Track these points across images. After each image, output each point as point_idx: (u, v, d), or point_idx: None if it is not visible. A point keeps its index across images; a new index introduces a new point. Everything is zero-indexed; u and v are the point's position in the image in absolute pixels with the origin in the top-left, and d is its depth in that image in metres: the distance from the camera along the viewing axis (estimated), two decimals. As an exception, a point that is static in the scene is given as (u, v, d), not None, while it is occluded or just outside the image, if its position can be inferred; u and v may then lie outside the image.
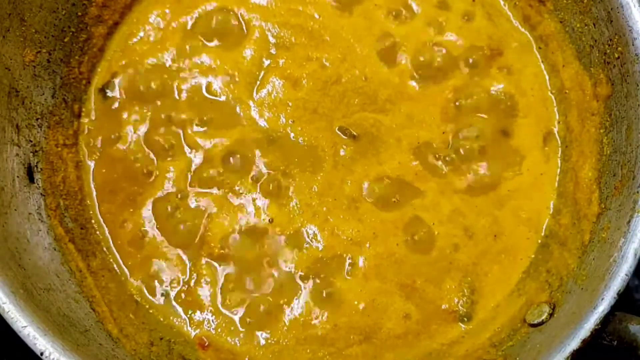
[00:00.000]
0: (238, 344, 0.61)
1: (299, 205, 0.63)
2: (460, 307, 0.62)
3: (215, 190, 0.64)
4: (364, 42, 0.67)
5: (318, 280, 0.62)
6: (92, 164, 0.65)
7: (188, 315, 0.62)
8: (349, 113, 0.65)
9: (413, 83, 0.66)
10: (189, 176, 0.64)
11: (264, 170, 0.64)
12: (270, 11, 0.68)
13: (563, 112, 0.65)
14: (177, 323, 0.62)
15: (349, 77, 0.66)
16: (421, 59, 0.66)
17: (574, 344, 0.50)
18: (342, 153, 0.64)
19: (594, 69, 0.60)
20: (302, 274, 0.62)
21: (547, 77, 0.66)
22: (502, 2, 0.67)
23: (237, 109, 0.66)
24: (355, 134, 0.64)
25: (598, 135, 0.60)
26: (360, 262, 0.62)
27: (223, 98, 0.66)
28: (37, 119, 0.62)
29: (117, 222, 0.64)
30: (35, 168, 0.61)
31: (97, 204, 0.64)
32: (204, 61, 0.67)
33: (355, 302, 0.62)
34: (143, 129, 0.65)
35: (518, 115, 0.66)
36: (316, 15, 0.67)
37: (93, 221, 0.64)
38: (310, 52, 0.67)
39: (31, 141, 0.61)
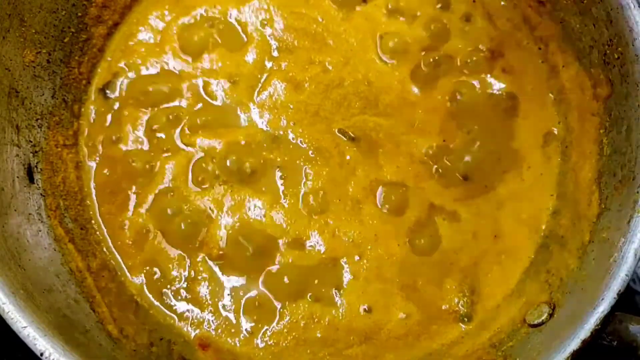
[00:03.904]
0: (238, 345, 0.61)
1: (297, 207, 0.63)
2: (460, 308, 0.62)
3: (214, 191, 0.64)
4: (366, 46, 0.67)
5: (318, 282, 0.62)
6: (92, 164, 0.65)
7: (188, 316, 0.62)
8: (348, 116, 0.65)
9: (415, 89, 0.66)
10: (189, 177, 0.64)
11: (264, 171, 0.64)
12: (273, 14, 0.68)
13: (563, 113, 0.65)
14: (177, 324, 0.62)
15: (351, 80, 0.66)
16: (423, 61, 0.66)
17: (574, 344, 0.50)
18: (340, 156, 0.64)
19: (594, 70, 0.60)
20: (303, 275, 0.62)
21: (547, 78, 0.66)
22: (502, 3, 0.68)
23: (238, 110, 0.66)
24: (353, 136, 0.64)
25: (598, 135, 0.60)
26: (362, 264, 0.62)
27: (223, 99, 0.66)
28: (37, 120, 0.62)
29: (117, 222, 0.64)
30: (35, 168, 0.61)
31: (97, 204, 0.64)
32: (204, 62, 0.67)
33: (356, 304, 0.62)
34: (143, 129, 0.65)
35: (518, 116, 0.66)
36: (319, 19, 0.67)
37: (93, 222, 0.64)
38: (313, 55, 0.67)
39: (31, 142, 0.61)
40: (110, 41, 0.67)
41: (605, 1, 0.57)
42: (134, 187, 0.64)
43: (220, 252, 0.62)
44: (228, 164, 0.64)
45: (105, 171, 0.65)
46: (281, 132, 0.65)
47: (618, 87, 0.57)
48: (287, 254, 0.63)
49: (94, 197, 0.65)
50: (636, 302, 0.66)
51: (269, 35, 0.67)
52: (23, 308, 0.51)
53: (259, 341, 0.62)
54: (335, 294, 0.62)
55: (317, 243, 0.63)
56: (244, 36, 0.67)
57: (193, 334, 0.62)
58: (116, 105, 0.66)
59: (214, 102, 0.66)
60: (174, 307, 0.62)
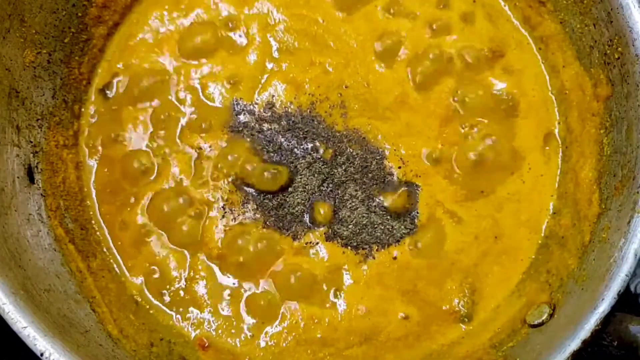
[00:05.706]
0: (238, 345, 0.61)
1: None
2: (460, 308, 0.62)
3: (214, 191, 0.64)
4: (366, 47, 0.67)
5: (319, 284, 0.62)
6: (92, 164, 0.65)
7: (188, 316, 0.62)
8: (348, 117, 0.65)
9: (414, 90, 0.66)
10: (188, 177, 0.64)
11: (264, 170, 0.64)
12: (273, 15, 0.68)
13: (563, 113, 0.65)
14: (177, 324, 0.62)
15: (351, 82, 0.66)
16: (423, 62, 0.66)
17: (574, 344, 0.50)
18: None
19: (594, 70, 0.60)
20: (303, 277, 0.62)
21: (547, 78, 0.66)
22: (502, 3, 0.67)
23: (238, 110, 0.66)
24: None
25: (598, 135, 0.60)
26: (363, 269, 0.62)
27: (223, 100, 0.66)
28: (37, 120, 0.62)
29: (117, 222, 0.64)
30: (36, 169, 0.61)
31: (97, 204, 0.64)
32: (204, 63, 0.67)
33: (357, 308, 0.62)
34: (143, 129, 0.65)
35: (519, 116, 0.66)
36: (320, 20, 0.67)
37: (93, 222, 0.64)
38: (313, 56, 0.66)
39: (31, 142, 0.61)
40: (110, 41, 0.67)
41: (605, 1, 0.57)
42: (134, 187, 0.64)
43: (220, 252, 0.62)
44: (227, 164, 0.64)
45: (105, 171, 0.65)
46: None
47: (618, 87, 0.57)
48: (289, 257, 0.63)
49: (94, 197, 0.65)
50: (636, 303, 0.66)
51: (270, 37, 0.67)
52: (23, 308, 0.51)
53: (259, 341, 0.61)
54: (336, 295, 0.62)
55: (320, 250, 0.63)
56: (244, 37, 0.67)
57: (193, 334, 0.62)
58: (116, 106, 0.66)
59: (214, 103, 0.66)
60: (174, 307, 0.62)
